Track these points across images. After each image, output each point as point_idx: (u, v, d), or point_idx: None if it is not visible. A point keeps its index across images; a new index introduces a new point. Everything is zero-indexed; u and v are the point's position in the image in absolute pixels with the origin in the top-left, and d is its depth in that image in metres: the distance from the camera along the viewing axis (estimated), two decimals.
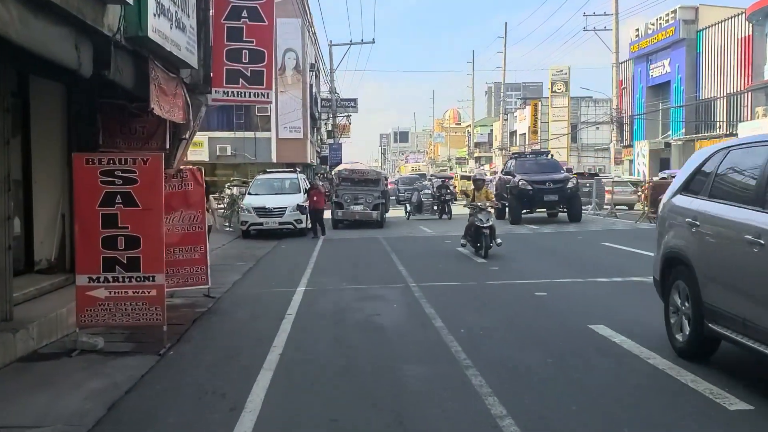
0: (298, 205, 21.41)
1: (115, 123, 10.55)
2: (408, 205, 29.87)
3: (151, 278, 7.74)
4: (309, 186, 22.51)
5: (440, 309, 9.29)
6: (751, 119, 42.77)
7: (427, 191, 30.24)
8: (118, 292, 7.69)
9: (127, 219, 7.66)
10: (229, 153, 40.08)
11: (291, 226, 21.35)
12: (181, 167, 11.13)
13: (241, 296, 11.11)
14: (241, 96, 11.34)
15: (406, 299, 10.19)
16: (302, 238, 21.19)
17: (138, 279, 7.71)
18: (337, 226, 24.53)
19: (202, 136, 39.97)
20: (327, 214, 23.39)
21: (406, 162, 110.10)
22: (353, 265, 14.65)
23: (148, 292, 7.74)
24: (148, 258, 7.72)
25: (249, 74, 11.17)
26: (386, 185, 28.98)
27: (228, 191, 29.44)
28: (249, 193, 22.59)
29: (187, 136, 11.02)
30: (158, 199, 7.81)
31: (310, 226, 21.66)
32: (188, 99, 10.43)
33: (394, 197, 37.59)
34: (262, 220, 20.97)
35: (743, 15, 46.35)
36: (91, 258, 7.65)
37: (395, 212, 33.19)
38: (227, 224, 24.18)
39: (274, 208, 21.07)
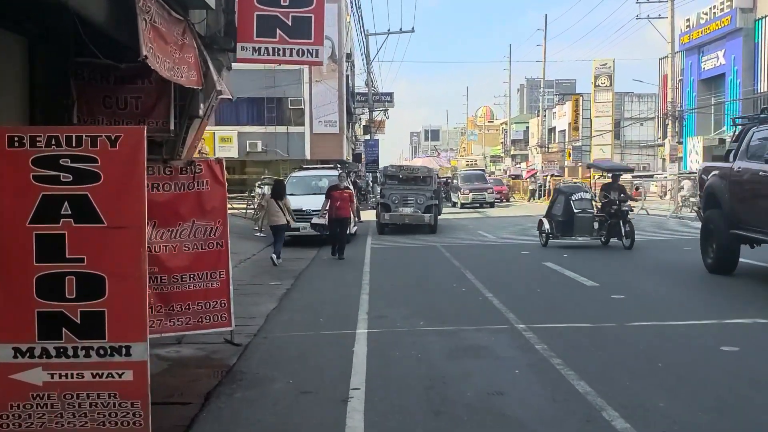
0: (312, 223, 16.27)
1: (96, 93, 7.07)
2: (546, 223, 16.41)
3: (123, 351, 4.26)
4: (329, 186, 16.31)
5: (594, 379, 5.69)
6: None
7: (584, 196, 16.19)
8: (67, 376, 4.23)
9: (81, 244, 4.20)
10: (259, 149, 36.67)
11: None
12: (194, 158, 7.66)
13: (278, 345, 7.57)
14: (278, 54, 7.70)
15: (526, 357, 6.58)
16: (348, 247, 17.67)
17: (101, 352, 4.24)
18: (383, 230, 21.09)
19: (230, 131, 36.74)
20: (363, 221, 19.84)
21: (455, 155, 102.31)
22: (420, 288, 11.07)
23: (120, 376, 4.26)
24: (120, 314, 4.25)
25: (290, 23, 7.55)
26: (438, 184, 25.52)
27: (258, 190, 26.04)
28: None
29: (202, 112, 7.51)
30: (138, 209, 4.31)
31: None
32: (204, 53, 6.92)
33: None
34: (299, 224, 17.42)
35: None
36: (17, 314, 4.20)
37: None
38: (257, 228, 20.72)
39: (313, 211, 17.59)
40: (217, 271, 7.32)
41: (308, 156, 35.71)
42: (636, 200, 27.05)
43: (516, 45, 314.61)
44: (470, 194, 37.76)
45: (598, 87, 62.24)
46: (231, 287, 7.42)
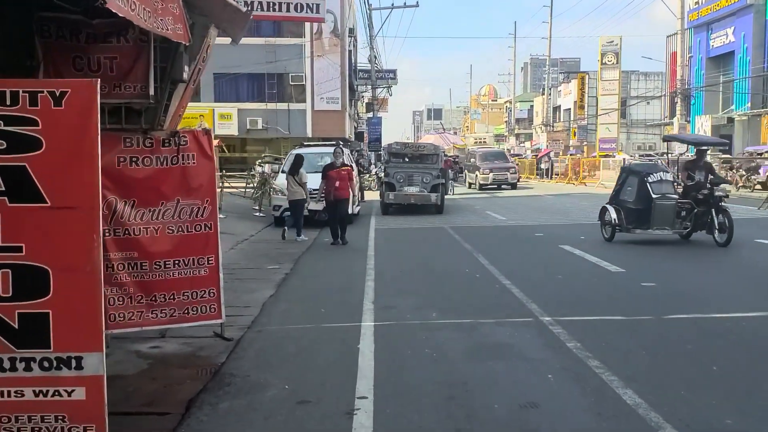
0: (309, 210, 14.86)
1: (65, 52, 6.12)
2: (612, 212, 12.90)
3: (74, 363, 3.37)
4: (325, 165, 14.48)
5: (643, 388, 4.81)
6: None
7: (664, 177, 12.67)
8: (2, 395, 3.35)
9: (18, 230, 3.30)
10: (260, 126, 35.70)
11: None
12: (178, 129, 6.73)
13: (274, 340, 6.68)
14: (274, 8, 6.75)
15: (559, 358, 5.69)
16: (348, 225, 16.78)
17: (45, 365, 3.35)
18: (387, 211, 20.11)
19: (230, 108, 35.74)
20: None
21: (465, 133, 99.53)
22: (430, 274, 10.17)
23: (69, 394, 3.38)
24: (68, 317, 3.36)
25: None
26: (446, 162, 24.59)
27: (258, 169, 25.06)
28: (283, 171, 18.16)
29: (186, 76, 6.57)
30: (89, 185, 3.40)
31: (351, 210, 15.53)
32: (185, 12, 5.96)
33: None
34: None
35: None
36: None
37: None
38: (256, 208, 19.79)
39: (314, 190, 16.64)
40: (206, 257, 6.47)
41: (310, 134, 34.75)
42: (730, 183, 24.02)
43: (521, 22, 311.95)
44: (490, 174, 34.01)
45: (604, 65, 60.95)
46: (221, 275, 6.54)
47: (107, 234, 6.15)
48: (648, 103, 65.63)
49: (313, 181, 16.43)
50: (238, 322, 7.17)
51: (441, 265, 10.85)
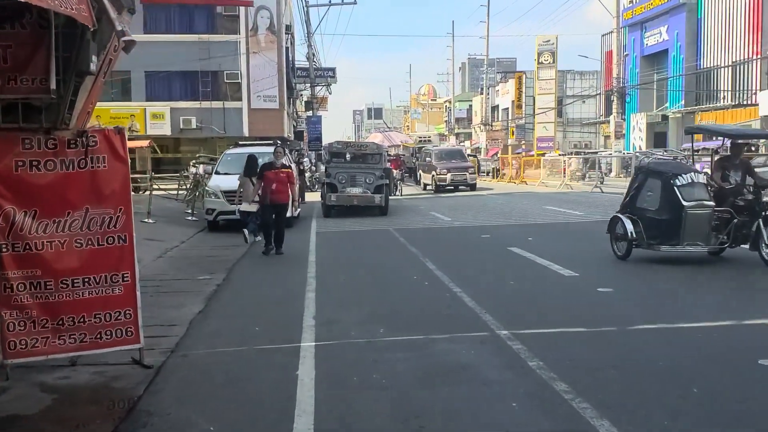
0: (240, 211, 13.25)
1: None
2: (628, 224, 10.36)
3: None
4: (262, 165, 12.68)
5: (620, 417, 4.23)
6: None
7: (697, 179, 10.04)
8: None
9: None
10: (194, 126, 34.47)
11: None
12: (86, 128, 5.89)
13: (200, 367, 5.88)
14: None
15: (522, 381, 5.06)
16: (288, 229, 15.99)
17: None
18: (329, 213, 19.30)
19: (162, 107, 34.42)
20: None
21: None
22: (376, 282, 9.50)
23: None
24: None
25: None
26: (391, 162, 23.94)
27: (192, 170, 24.02)
28: (216, 172, 17.23)
29: (95, 67, 5.72)
30: None
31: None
32: None
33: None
34: (234, 207, 15.67)
35: None
36: None
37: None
38: (189, 212, 18.79)
39: (229, 192, 15.80)
40: (120, 273, 5.69)
41: (246, 133, 33.69)
42: None
43: (459, 23, 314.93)
44: (448, 175, 30.76)
45: (541, 64, 61.47)
46: (138, 293, 5.76)
47: (4, 250, 5.34)
48: (584, 102, 66.48)
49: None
50: (160, 344, 6.37)
51: (387, 272, 10.20)
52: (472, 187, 31.18)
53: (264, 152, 17.88)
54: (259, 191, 12.36)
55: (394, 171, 28.62)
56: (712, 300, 7.77)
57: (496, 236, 13.90)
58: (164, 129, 34.51)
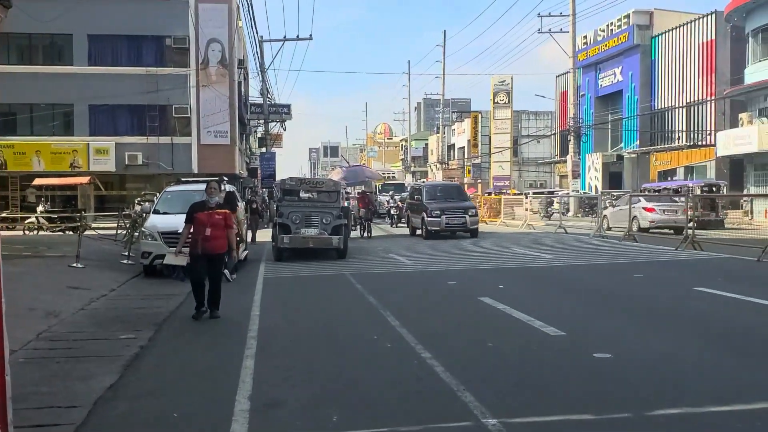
0: (165, 264, 11.69)
1: None
2: None
3: None
4: (192, 205, 10.00)
5: None
6: (725, 127, 38.15)
7: None
8: None
9: None
10: (140, 162, 32.64)
11: None
12: None
13: None
14: None
15: None
16: (233, 275, 14.38)
17: None
18: (281, 257, 17.49)
19: (107, 142, 32.57)
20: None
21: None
22: (330, 343, 7.94)
23: None
24: None
25: None
26: (346, 200, 22.30)
27: (138, 207, 22.19)
28: (155, 212, 15.57)
29: None
30: None
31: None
32: None
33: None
34: (173, 250, 14.01)
35: (704, 19, 42.05)
36: None
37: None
38: (125, 254, 17.01)
39: (169, 233, 14.19)
40: None
41: (195, 170, 31.99)
42: None
43: (414, 63, 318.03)
44: (443, 217, 23.73)
45: (496, 104, 61.29)
46: (8, 377, 4.19)
47: None
48: (538, 141, 66.40)
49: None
50: None
51: (342, 330, 8.67)
52: (473, 233, 24.30)
53: None
54: (188, 238, 9.76)
55: (362, 210, 26.76)
56: (735, 366, 6.45)
57: (463, 283, 12.50)
58: (108, 165, 32.61)
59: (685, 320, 8.74)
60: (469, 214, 24.07)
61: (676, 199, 26.66)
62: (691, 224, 18.13)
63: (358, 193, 32.44)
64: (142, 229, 15.42)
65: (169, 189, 16.61)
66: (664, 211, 24.94)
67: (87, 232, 23.31)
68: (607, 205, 27.58)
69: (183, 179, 18.06)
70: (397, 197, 37.54)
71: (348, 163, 47.00)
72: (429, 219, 23.96)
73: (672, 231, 23.69)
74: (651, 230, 25.19)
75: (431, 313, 9.67)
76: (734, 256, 15.62)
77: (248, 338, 8.11)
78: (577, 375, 6.24)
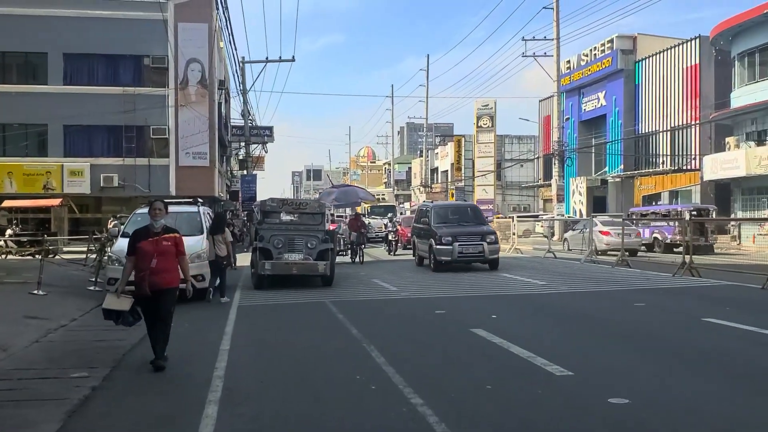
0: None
1: None
2: None
3: None
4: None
5: None
6: (711, 151, 37.74)
7: None
8: None
9: None
10: (116, 184, 31.54)
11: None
12: None
13: None
14: None
15: None
16: (204, 305, 13.37)
17: None
18: (261, 284, 15.84)
19: (82, 163, 31.46)
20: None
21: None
22: (306, 387, 6.93)
23: None
24: None
25: None
26: (350, 222, 21.13)
27: (114, 230, 21.08)
28: (124, 235, 14.55)
29: None
30: None
31: (206, 285, 13.74)
32: None
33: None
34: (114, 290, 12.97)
35: (689, 44, 41.84)
36: None
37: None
38: (92, 280, 15.92)
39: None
40: None
41: (173, 192, 30.93)
42: None
43: (397, 87, 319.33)
44: (455, 245, 19.41)
45: (480, 128, 60.80)
46: None
47: None
48: (522, 165, 65.99)
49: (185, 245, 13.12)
50: None
51: (321, 368, 7.69)
52: (492, 263, 19.93)
53: (183, 211, 15.40)
54: (137, 272, 7.84)
55: (353, 233, 24.69)
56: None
57: (453, 312, 11.56)
58: (83, 187, 31.46)
59: (701, 356, 7.87)
60: (488, 240, 19.58)
61: (629, 222, 28.04)
62: (685, 249, 17.33)
63: (350, 215, 30.52)
64: (109, 253, 14.40)
65: (139, 211, 15.59)
66: (617, 234, 24.39)
67: (57, 257, 22.20)
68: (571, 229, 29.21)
69: (153, 200, 16.99)
70: (397, 219, 34.50)
71: (332, 183, 45.02)
72: (438, 247, 19.45)
73: (627, 253, 22.39)
74: (608, 252, 25.53)
75: (421, 348, 8.73)
76: (735, 283, 14.84)
77: (214, 378, 7.14)
78: (594, 426, 5.33)
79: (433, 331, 10.08)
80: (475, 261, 19.88)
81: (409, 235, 25.93)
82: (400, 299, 13.76)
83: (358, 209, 33.95)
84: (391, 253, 28.76)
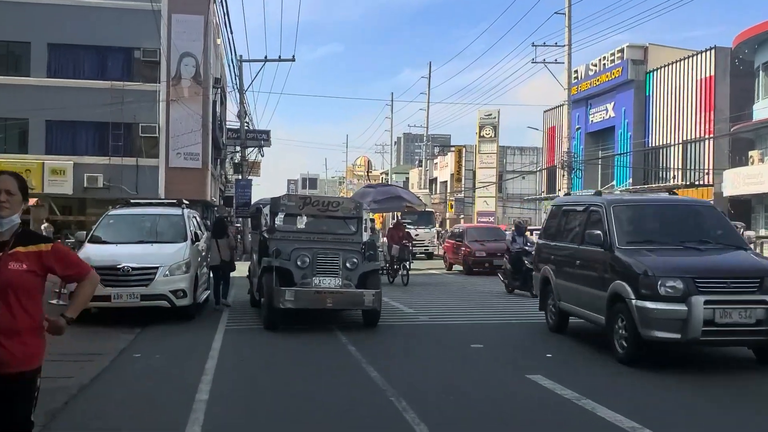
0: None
1: None
2: None
3: None
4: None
5: None
6: (729, 166, 35.65)
7: None
8: None
9: None
10: (101, 185, 29.10)
11: (165, 302, 11.07)
12: None
13: None
14: None
15: None
16: (183, 327, 11.00)
17: None
18: (275, 323, 10.62)
19: (64, 162, 29.03)
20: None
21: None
22: None
23: None
24: None
25: None
26: (391, 232, 17.30)
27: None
28: (92, 239, 12.16)
29: None
30: None
31: (189, 302, 11.35)
32: None
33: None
34: (111, 290, 10.65)
35: (703, 55, 39.85)
36: None
37: None
38: (57, 291, 13.49)
39: (134, 269, 10.88)
40: None
41: (162, 194, 28.48)
42: None
43: (396, 96, 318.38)
44: (694, 301, 7.20)
45: (482, 138, 58.79)
46: None
47: None
48: (523, 177, 64.04)
49: (137, 253, 11.22)
50: None
51: (331, 427, 5.36)
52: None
53: (157, 213, 13.12)
54: None
55: (393, 246, 19.11)
56: None
57: (493, 347, 9.19)
58: (65, 187, 29.02)
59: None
60: None
61: None
62: None
63: (392, 223, 23.91)
64: None
65: (111, 213, 13.18)
66: None
67: None
68: None
69: (132, 200, 14.64)
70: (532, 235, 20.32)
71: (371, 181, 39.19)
72: (651, 306, 7.61)
73: None
74: None
75: (460, 401, 6.40)
76: None
77: None
78: None
79: (472, 372, 7.71)
80: (747, 342, 8.23)
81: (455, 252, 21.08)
82: (421, 325, 11.35)
83: (398, 214, 27.16)
84: (509, 291, 16.83)
